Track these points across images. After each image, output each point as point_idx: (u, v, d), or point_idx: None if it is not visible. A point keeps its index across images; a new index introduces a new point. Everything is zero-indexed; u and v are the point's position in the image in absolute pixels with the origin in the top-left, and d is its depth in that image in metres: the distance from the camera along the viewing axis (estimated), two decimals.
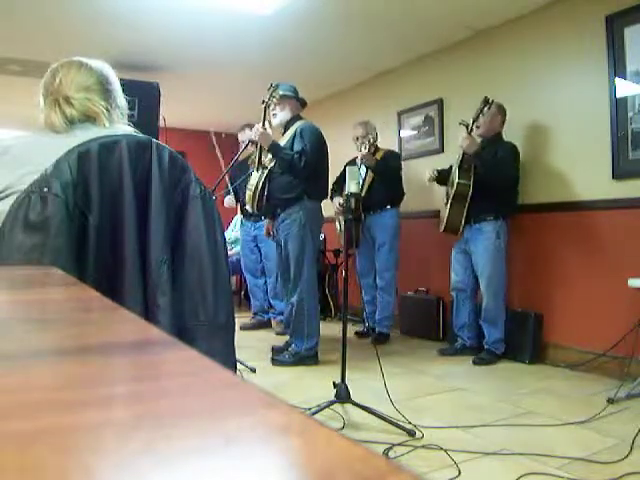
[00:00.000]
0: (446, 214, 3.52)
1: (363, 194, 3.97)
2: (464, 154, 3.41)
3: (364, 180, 3.99)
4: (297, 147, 3.25)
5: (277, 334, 4.28)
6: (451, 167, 3.64)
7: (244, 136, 4.40)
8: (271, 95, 3.28)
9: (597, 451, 1.96)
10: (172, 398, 0.22)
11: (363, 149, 3.84)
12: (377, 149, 4.08)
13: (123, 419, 0.19)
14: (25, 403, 0.20)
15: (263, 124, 3.27)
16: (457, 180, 3.42)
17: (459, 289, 3.57)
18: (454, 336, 3.67)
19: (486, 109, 3.36)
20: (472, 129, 3.40)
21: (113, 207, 1.01)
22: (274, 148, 3.26)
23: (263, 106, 3.31)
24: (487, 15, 3.67)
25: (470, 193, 3.39)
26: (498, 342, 3.39)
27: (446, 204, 3.52)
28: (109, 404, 0.21)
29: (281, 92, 3.33)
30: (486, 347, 3.43)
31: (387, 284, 4.00)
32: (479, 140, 3.42)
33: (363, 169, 4.00)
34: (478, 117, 3.38)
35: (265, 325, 4.55)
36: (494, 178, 3.30)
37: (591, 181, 3.22)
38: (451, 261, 3.63)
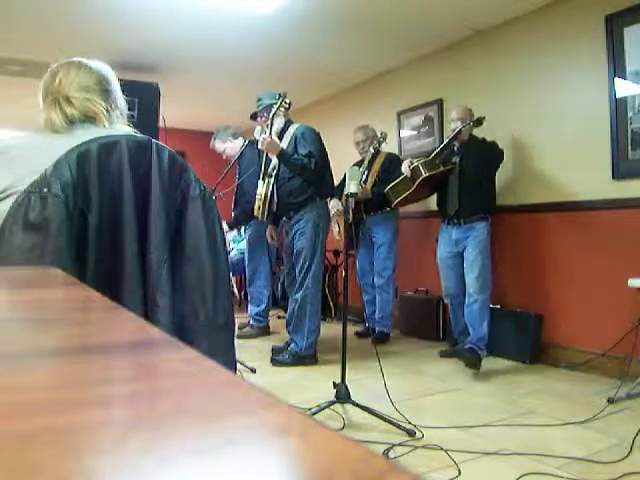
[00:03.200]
0: (392, 183, 3.61)
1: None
2: (444, 149, 3.47)
3: (365, 182, 4.01)
4: (302, 150, 3.28)
5: (239, 337, 4.19)
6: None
7: (220, 145, 4.42)
8: (280, 105, 3.28)
9: (597, 451, 1.96)
10: (172, 398, 0.22)
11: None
12: (378, 152, 4.11)
13: (123, 419, 0.19)
14: (25, 403, 0.20)
15: (270, 133, 3.27)
16: (416, 163, 3.42)
17: (453, 295, 3.46)
18: (454, 340, 3.59)
19: (471, 124, 3.39)
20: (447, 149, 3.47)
21: (113, 207, 1.01)
22: (284, 155, 3.27)
23: (270, 115, 3.31)
24: (487, 15, 3.67)
25: (417, 183, 3.40)
26: (482, 340, 3.21)
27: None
28: (109, 404, 0.21)
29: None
30: (469, 345, 3.22)
31: (385, 283, 4.01)
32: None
33: (364, 172, 4.03)
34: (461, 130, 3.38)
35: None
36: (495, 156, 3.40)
37: (591, 181, 3.22)
38: (438, 266, 3.53)
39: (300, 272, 3.33)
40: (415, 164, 3.44)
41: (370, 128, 4.21)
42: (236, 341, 1.18)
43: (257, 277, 4.33)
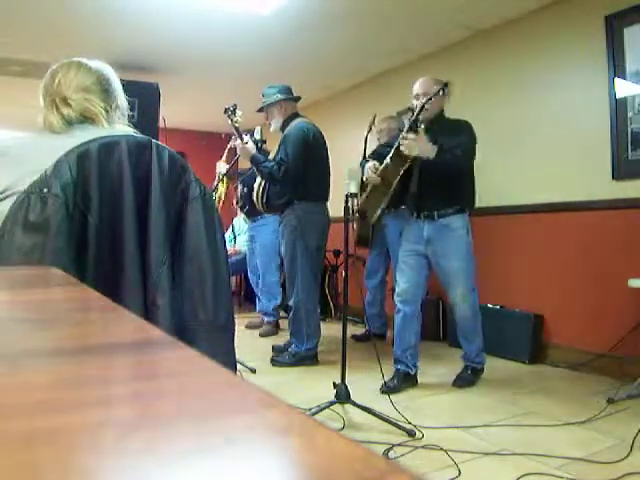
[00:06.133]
0: (363, 196, 2.89)
1: None
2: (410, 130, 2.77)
3: None
4: (279, 154, 3.27)
5: (260, 335, 4.25)
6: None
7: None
8: (230, 120, 3.31)
9: (597, 451, 1.96)
10: (172, 398, 0.22)
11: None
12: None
13: (123, 419, 0.19)
14: (25, 403, 0.20)
15: (241, 139, 3.31)
16: (386, 163, 2.81)
17: (407, 301, 2.87)
18: (394, 362, 2.90)
19: (440, 94, 2.69)
20: (418, 126, 2.72)
21: (113, 207, 1.01)
22: (254, 162, 3.32)
23: (232, 126, 3.37)
24: (487, 15, 3.67)
25: (396, 181, 2.77)
26: (479, 355, 2.93)
27: (363, 190, 2.88)
28: (109, 404, 0.21)
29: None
30: (467, 364, 2.94)
31: None
32: (425, 137, 2.70)
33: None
34: (428, 100, 2.68)
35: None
36: (459, 165, 2.72)
37: (591, 181, 3.22)
38: (397, 264, 2.99)
39: (288, 278, 3.33)
40: (384, 165, 2.84)
41: (399, 118, 4.13)
42: (236, 341, 1.18)
43: (269, 272, 4.35)
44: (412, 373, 2.86)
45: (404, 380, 2.82)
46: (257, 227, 4.39)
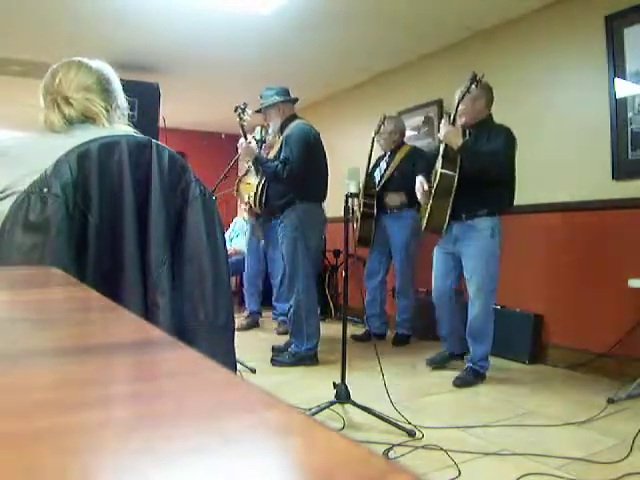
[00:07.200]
0: (427, 210, 2.98)
1: (378, 189, 4.01)
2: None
3: (382, 176, 4.01)
4: (283, 154, 3.27)
5: (278, 334, 4.28)
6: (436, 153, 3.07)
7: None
8: (239, 118, 3.34)
9: (597, 451, 1.96)
10: (172, 398, 0.22)
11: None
12: (401, 145, 4.08)
13: (123, 419, 0.19)
14: (25, 403, 0.20)
15: (245, 138, 3.33)
16: (440, 170, 2.86)
17: (437, 290, 3.11)
18: (442, 342, 3.28)
19: (473, 87, 2.80)
20: (455, 118, 2.88)
21: (113, 207, 1.01)
22: (257, 162, 3.33)
23: (240, 124, 3.39)
24: (487, 15, 3.67)
25: (455, 186, 2.84)
26: (484, 359, 2.94)
27: (427, 198, 3.01)
28: (109, 404, 0.21)
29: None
30: (469, 365, 2.95)
31: (405, 287, 3.94)
32: (460, 129, 2.88)
33: (383, 165, 4.04)
34: (463, 97, 2.84)
35: (255, 325, 4.59)
36: (484, 172, 2.77)
37: (591, 181, 3.22)
38: (433, 262, 3.15)
39: (288, 278, 3.33)
40: (439, 172, 2.87)
41: (400, 119, 4.16)
42: (236, 341, 1.18)
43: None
44: (457, 353, 3.18)
45: (449, 357, 3.22)
46: (272, 228, 4.35)
